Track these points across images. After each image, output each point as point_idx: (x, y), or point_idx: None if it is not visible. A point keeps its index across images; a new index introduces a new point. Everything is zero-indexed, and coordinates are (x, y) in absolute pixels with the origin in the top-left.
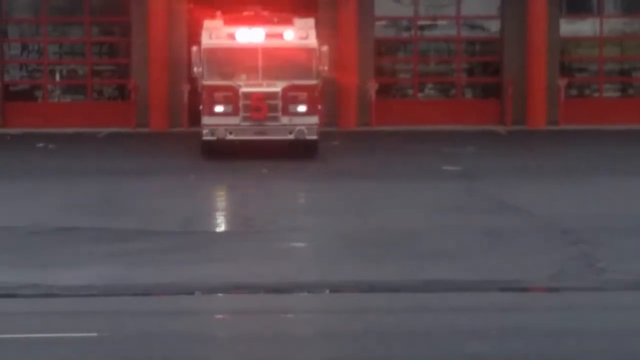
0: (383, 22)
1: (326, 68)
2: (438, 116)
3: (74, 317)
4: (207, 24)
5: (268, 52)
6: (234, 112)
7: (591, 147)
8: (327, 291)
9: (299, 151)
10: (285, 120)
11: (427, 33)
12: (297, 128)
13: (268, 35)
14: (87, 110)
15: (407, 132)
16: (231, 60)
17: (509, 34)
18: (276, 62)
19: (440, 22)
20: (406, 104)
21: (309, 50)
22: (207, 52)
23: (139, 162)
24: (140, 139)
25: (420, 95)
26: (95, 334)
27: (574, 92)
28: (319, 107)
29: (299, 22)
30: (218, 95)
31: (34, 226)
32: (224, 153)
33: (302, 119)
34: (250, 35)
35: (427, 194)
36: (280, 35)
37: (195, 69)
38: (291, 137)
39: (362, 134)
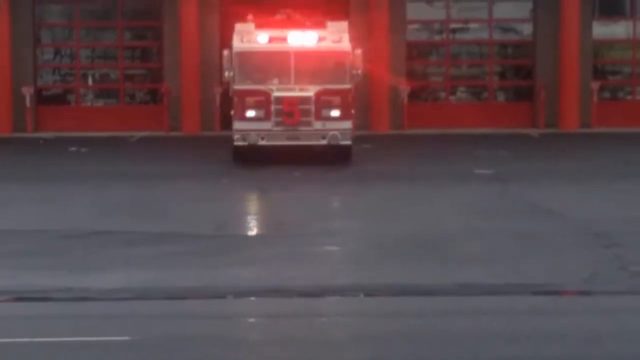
0: (415, 26)
1: (360, 72)
2: (470, 119)
3: (107, 320)
4: (239, 27)
5: (300, 56)
6: (266, 117)
7: (624, 150)
8: (361, 295)
9: (332, 156)
10: (318, 125)
11: (459, 36)
12: (331, 133)
13: (300, 39)
14: (119, 114)
15: (439, 135)
16: (263, 64)
17: (541, 37)
18: (309, 66)
19: (473, 25)
20: (438, 107)
21: (342, 54)
22: (239, 55)
23: (172, 165)
24: (173, 142)
25: (452, 98)
26: (127, 338)
27: (606, 94)
28: (353, 111)
29: (332, 25)
30: (250, 99)
31: (67, 230)
32: (256, 158)
33: (336, 123)
34: (282, 39)
35: (459, 197)
36: (313, 39)
37: (226, 73)
38: (324, 142)
39: (394, 137)
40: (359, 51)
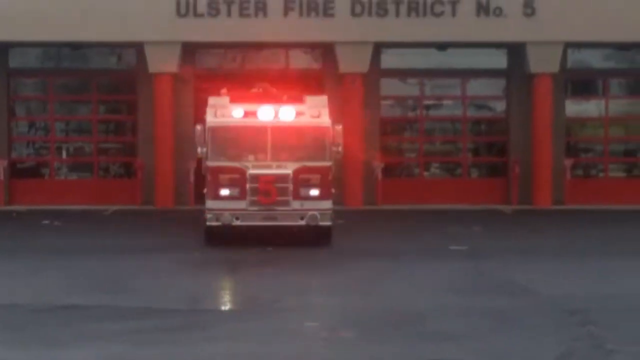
0: (389, 102)
1: (340, 148)
2: (444, 195)
3: None
4: (213, 101)
5: (278, 131)
6: (241, 196)
7: (597, 227)
8: None
9: (310, 238)
10: (296, 204)
11: (433, 112)
12: (310, 213)
13: (278, 114)
14: (93, 188)
15: (413, 211)
16: (238, 140)
17: (514, 115)
18: (287, 142)
19: (446, 102)
20: (412, 183)
21: (321, 129)
22: (212, 130)
23: (145, 240)
24: (146, 216)
25: (426, 174)
26: None
27: (579, 172)
28: (332, 190)
29: (310, 99)
30: (223, 177)
31: (37, 304)
32: (229, 240)
33: (315, 203)
34: (258, 114)
35: (433, 273)
36: (291, 113)
37: (199, 149)
38: (302, 222)
39: (368, 212)
40: (339, 126)
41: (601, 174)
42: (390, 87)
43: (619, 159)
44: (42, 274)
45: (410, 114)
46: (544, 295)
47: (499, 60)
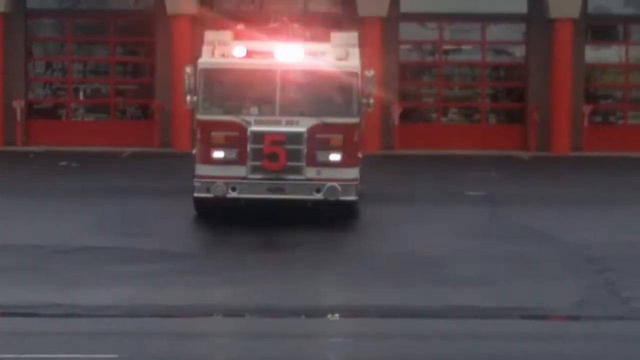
0: (408, 46)
1: (371, 100)
2: (461, 141)
3: (95, 337)
4: (210, 36)
5: (289, 77)
6: (240, 160)
7: (616, 174)
8: (349, 316)
9: (330, 215)
10: (311, 172)
11: (452, 58)
12: (328, 185)
13: (292, 53)
14: (110, 130)
15: (430, 156)
16: (237, 87)
17: (533, 60)
18: (301, 90)
19: (465, 47)
20: (430, 128)
21: (348, 76)
22: (205, 74)
23: (162, 182)
24: (163, 159)
25: (443, 119)
26: (115, 356)
27: (598, 118)
28: (359, 155)
29: (336, 37)
30: (217, 135)
31: (56, 245)
32: (224, 215)
33: (335, 171)
34: (267, 54)
35: (450, 219)
36: (310, 54)
37: (188, 98)
38: (319, 196)
39: (385, 157)
40: (371, 72)
41: (620, 121)
42: (409, 31)
43: (638, 106)
44: (60, 216)
45: (429, 59)
46: (561, 242)
47: (519, 5)
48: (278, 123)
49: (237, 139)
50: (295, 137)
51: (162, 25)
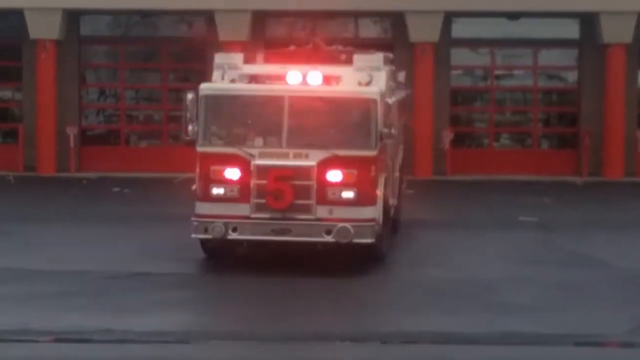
0: (459, 71)
1: (393, 131)
2: (513, 166)
3: None
4: (220, 59)
5: (299, 104)
6: (242, 198)
7: None
8: (404, 342)
9: (343, 260)
10: (322, 212)
11: (504, 83)
12: (339, 226)
13: (304, 79)
14: (163, 155)
15: (482, 181)
16: (242, 116)
17: (586, 85)
18: (312, 120)
19: (517, 72)
20: (482, 153)
21: (365, 103)
22: (206, 101)
23: None
24: None
25: (495, 144)
26: None
27: None
28: (378, 192)
29: (359, 59)
30: (217, 169)
31: (108, 271)
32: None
33: (350, 210)
34: (277, 77)
35: (503, 244)
36: (325, 79)
37: (190, 128)
38: (329, 239)
39: (437, 183)
40: (392, 99)
41: None
42: (460, 56)
43: None
44: (112, 241)
45: (481, 84)
46: (616, 268)
47: (571, 29)
48: (285, 156)
49: (239, 173)
50: (303, 172)
51: (214, 52)
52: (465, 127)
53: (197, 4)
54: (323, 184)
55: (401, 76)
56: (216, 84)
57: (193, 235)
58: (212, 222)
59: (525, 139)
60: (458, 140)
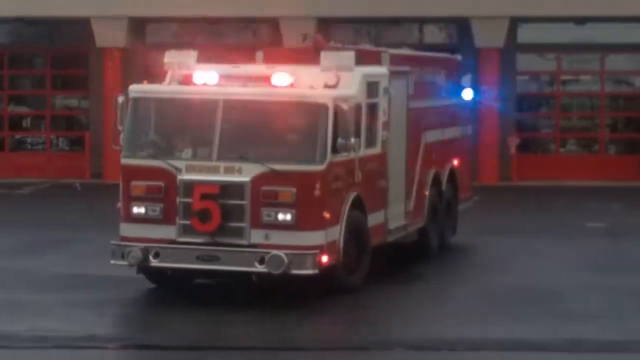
0: (525, 77)
1: (352, 141)
2: (580, 172)
3: None
4: (170, 57)
5: (236, 110)
6: (166, 218)
7: None
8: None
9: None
10: (257, 237)
11: (570, 88)
12: (271, 254)
13: (243, 79)
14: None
15: (549, 187)
16: (171, 123)
17: None
18: (250, 128)
19: (584, 77)
20: (548, 159)
21: (313, 109)
22: (135, 105)
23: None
24: None
25: (562, 150)
26: None
27: None
28: (326, 215)
29: (326, 58)
30: (138, 185)
31: None
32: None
33: (288, 236)
34: (210, 79)
35: (571, 251)
36: (267, 80)
37: (122, 135)
38: (262, 268)
39: (503, 189)
40: (346, 105)
41: None
42: (526, 62)
43: None
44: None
45: (547, 90)
46: None
47: (639, 34)
48: (215, 170)
49: (163, 190)
50: (234, 189)
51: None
52: (531, 133)
53: (262, 12)
54: (258, 203)
55: (466, 80)
56: (146, 86)
57: (112, 262)
58: (131, 246)
59: (591, 145)
60: (524, 146)
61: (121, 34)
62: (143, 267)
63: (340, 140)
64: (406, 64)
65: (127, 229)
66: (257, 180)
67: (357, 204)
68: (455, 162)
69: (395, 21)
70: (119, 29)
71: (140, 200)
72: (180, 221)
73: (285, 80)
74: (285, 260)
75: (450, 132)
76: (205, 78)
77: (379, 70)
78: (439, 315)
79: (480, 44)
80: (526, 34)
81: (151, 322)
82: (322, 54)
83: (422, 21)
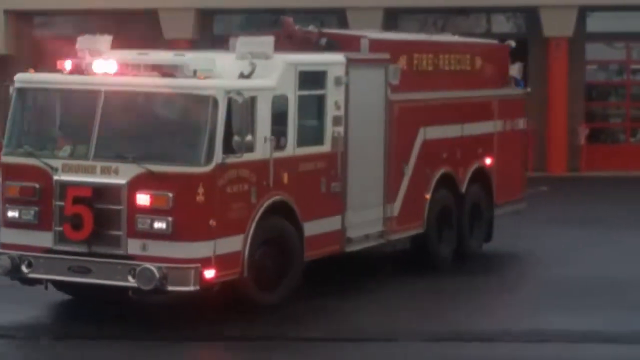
0: (594, 66)
1: (249, 139)
2: None
3: None
4: (83, 42)
5: (117, 103)
6: (41, 224)
7: None
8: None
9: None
10: (134, 247)
11: None
12: (141, 267)
13: (145, 68)
14: None
15: (618, 177)
16: (54, 116)
17: None
18: (133, 124)
19: None
20: (617, 149)
21: (199, 102)
22: (20, 96)
23: None
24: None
25: (632, 140)
26: None
27: None
28: (212, 222)
29: (243, 44)
30: (12, 186)
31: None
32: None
33: (165, 247)
34: (110, 67)
35: (639, 242)
36: (157, 70)
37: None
38: (134, 283)
39: (572, 179)
40: (241, 98)
41: None
42: (595, 51)
43: None
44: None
45: (616, 79)
46: None
47: None
48: (91, 170)
49: (37, 192)
50: (109, 192)
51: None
52: (600, 123)
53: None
54: (134, 209)
55: (514, 70)
56: (32, 75)
57: None
58: (1, 254)
59: None
60: (593, 136)
61: (189, 25)
62: (20, 278)
63: (237, 139)
64: (394, 50)
65: (6, 235)
66: (134, 183)
67: (281, 211)
68: (488, 160)
69: (463, 11)
70: (186, 20)
71: (14, 202)
72: (55, 227)
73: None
74: (157, 274)
75: (479, 127)
76: (105, 67)
77: (327, 59)
78: (507, 307)
79: (549, 34)
80: (595, 23)
81: None
82: (239, 40)
83: (489, 11)
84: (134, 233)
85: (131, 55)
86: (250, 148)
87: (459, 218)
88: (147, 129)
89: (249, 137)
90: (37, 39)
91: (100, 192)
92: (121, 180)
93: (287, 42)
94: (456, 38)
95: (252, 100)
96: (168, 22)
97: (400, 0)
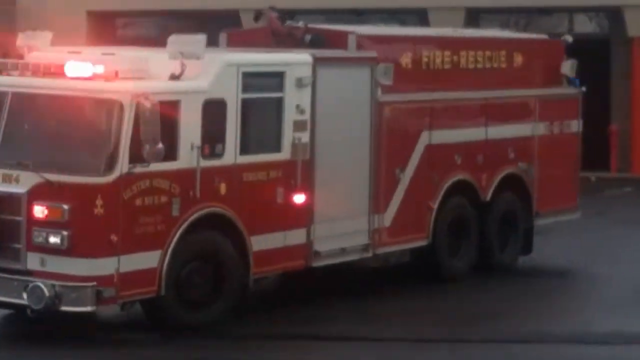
0: None
1: (159, 147)
2: None
3: None
4: (23, 39)
5: (23, 106)
6: None
7: None
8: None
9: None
10: (33, 261)
11: None
12: (32, 284)
13: (38, 69)
14: None
15: None
16: None
17: None
18: (36, 128)
19: None
20: None
21: (104, 107)
22: None
23: None
24: None
25: None
26: None
27: None
28: (114, 237)
29: (173, 42)
30: None
31: None
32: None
33: (62, 263)
34: (51, 68)
35: None
36: (60, 70)
37: None
38: (25, 301)
39: None
40: (148, 102)
41: None
42: None
43: None
44: None
45: None
46: None
47: None
48: None
49: None
50: (8, 203)
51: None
52: None
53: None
54: (32, 221)
55: (565, 67)
56: None
57: None
58: None
59: None
60: None
61: None
62: None
63: (148, 148)
64: (394, 46)
65: None
66: (34, 193)
67: (217, 225)
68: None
69: (545, 11)
70: None
71: None
72: None
73: (83, 71)
74: (47, 293)
75: (511, 130)
76: (17, 67)
77: (285, 58)
78: (590, 309)
79: (632, 33)
80: None
81: None
82: (170, 38)
83: (572, 10)
84: (32, 247)
85: (62, 54)
86: (172, 156)
87: (482, 229)
88: (51, 134)
89: (159, 145)
90: (119, 40)
91: (1, 201)
92: (21, 190)
93: (272, 38)
94: (490, 33)
95: (174, 105)
96: (250, 22)
97: (482, 0)
